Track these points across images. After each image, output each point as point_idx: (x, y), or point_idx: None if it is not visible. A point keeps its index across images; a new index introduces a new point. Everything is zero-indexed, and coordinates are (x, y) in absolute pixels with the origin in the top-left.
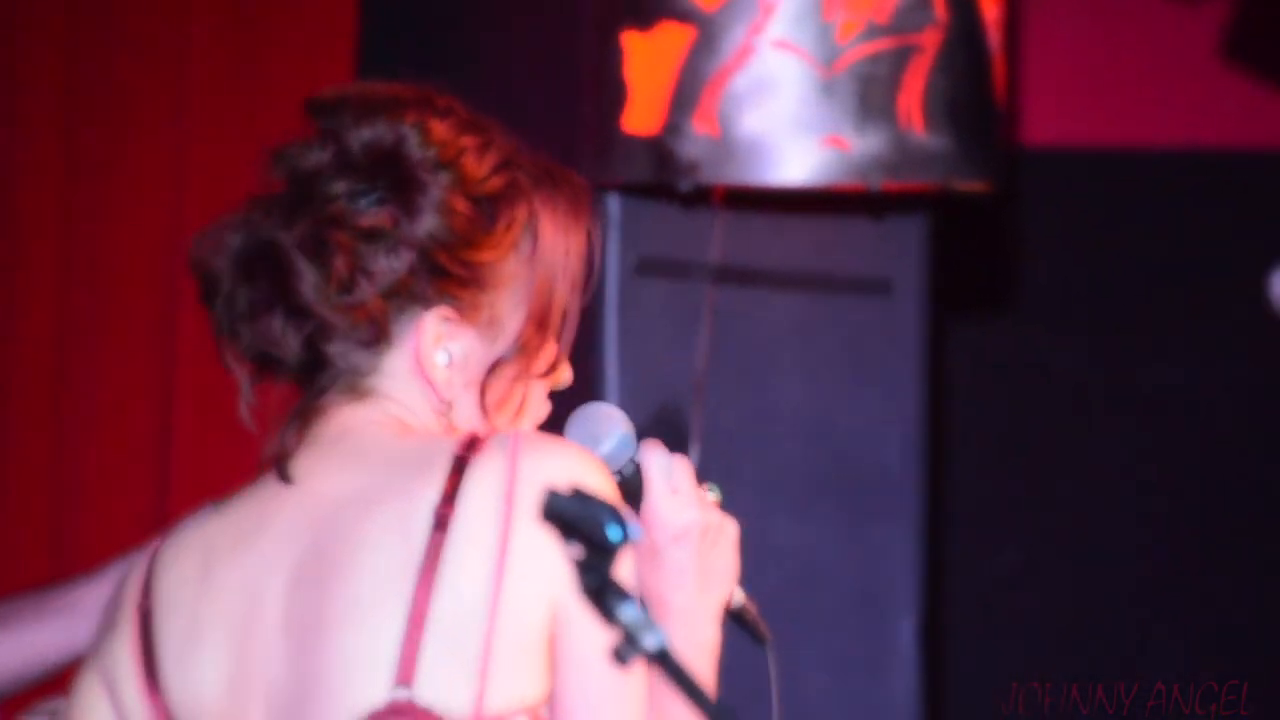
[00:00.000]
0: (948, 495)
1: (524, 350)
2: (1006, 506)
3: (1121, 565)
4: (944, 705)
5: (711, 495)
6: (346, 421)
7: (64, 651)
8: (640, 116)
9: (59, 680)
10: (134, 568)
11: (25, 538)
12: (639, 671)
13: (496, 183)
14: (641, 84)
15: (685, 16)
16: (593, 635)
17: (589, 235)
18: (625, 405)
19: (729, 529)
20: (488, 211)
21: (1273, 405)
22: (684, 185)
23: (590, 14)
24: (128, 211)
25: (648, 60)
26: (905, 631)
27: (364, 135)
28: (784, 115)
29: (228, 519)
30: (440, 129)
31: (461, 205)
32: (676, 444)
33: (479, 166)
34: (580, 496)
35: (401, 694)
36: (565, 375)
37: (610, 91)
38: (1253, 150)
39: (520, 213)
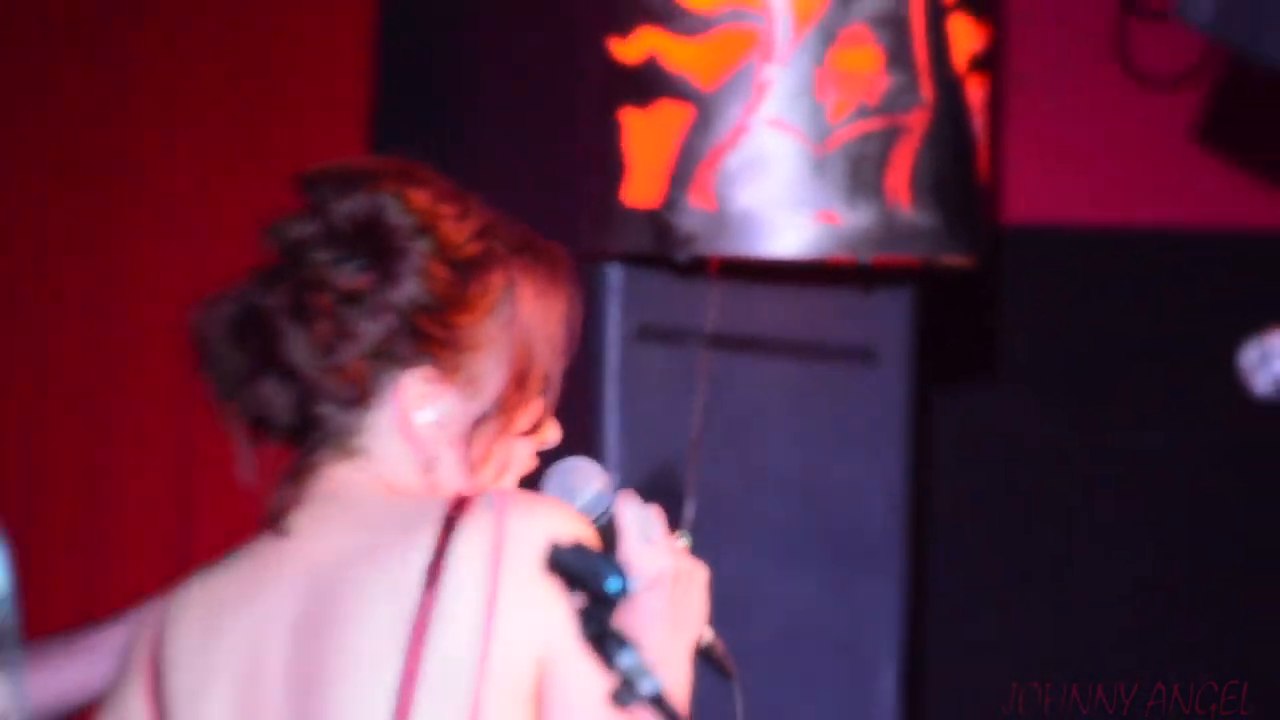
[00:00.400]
0: (931, 554)
1: (504, 409)
2: (989, 564)
3: (1103, 620)
4: None
5: (682, 542)
6: (338, 480)
7: (87, 690)
8: (639, 190)
9: (81, 716)
10: (146, 620)
11: (59, 577)
12: (634, 716)
13: (474, 249)
14: (641, 159)
15: (684, 95)
16: (584, 681)
17: (570, 302)
18: (625, 463)
19: (699, 574)
20: (465, 276)
21: (1243, 470)
22: (681, 256)
23: (593, 91)
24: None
25: (647, 137)
26: (886, 681)
27: (346, 206)
28: (777, 191)
29: (231, 575)
30: (419, 198)
31: (440, 271)
32: (672, 501)
33: (457, 233)
34: (581, 549)
35: None
36: (551, 434)
37: (611, 166)
38: (1226, 230)
39: (497, 278)
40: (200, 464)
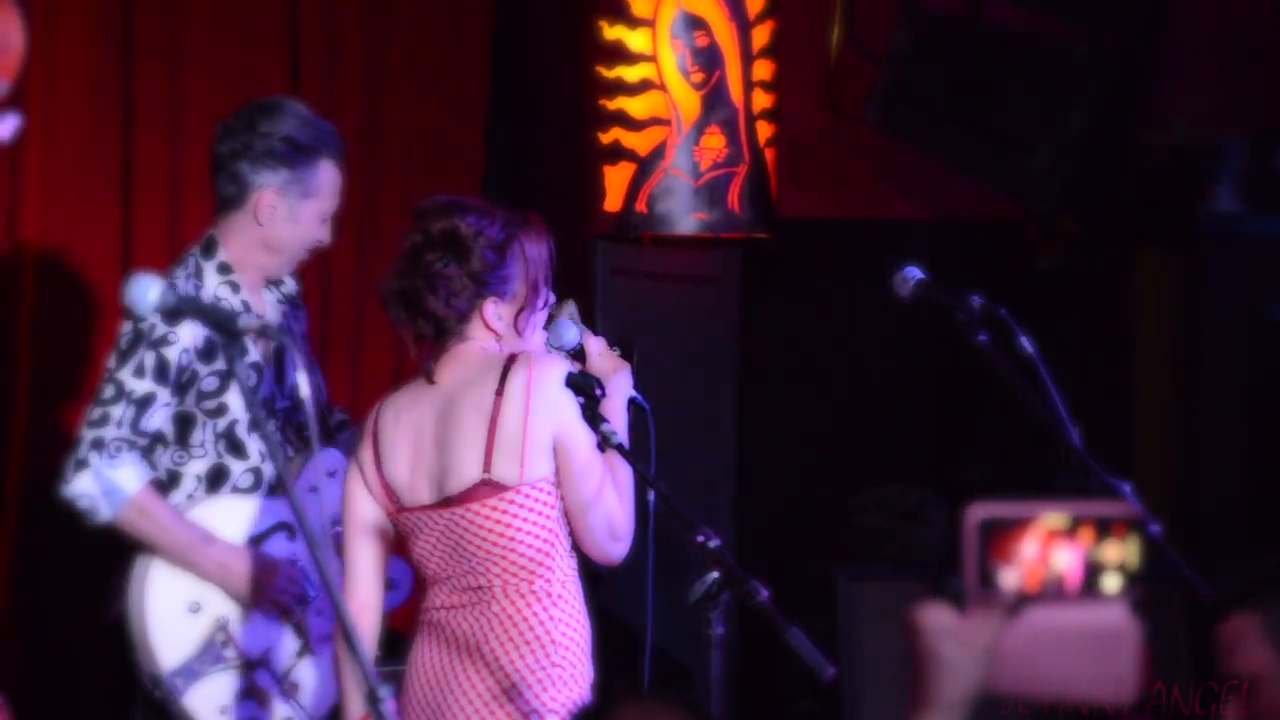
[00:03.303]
0: (752, 364)
1: (528, 306)
2: (791, 375)
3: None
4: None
5: (617, 352)
6: (456, 351)
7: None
8: (611, 203)
9: None
10: (370, 415)
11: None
12: (607, 455)
13: (501, 237)
14: (612, 188)
15: (632, 159)
16: (584, 438)
17: (548, 245)
18: (604, 332)
19: (626, 367)
20: (501, 251)
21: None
22: (631, 234)
23: (593, 156)
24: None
25: (615, 178)
26: (728, 405)
27: (437, 226)
28: (677, 204)
29: (409, 394)
30: (473, 218)
31: (489, 253)
32: (626, 348)
33: (494, 233)
34: (584, 374)
35: (485, 475)
36: (544, 316)
37: (598, 192)
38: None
39: (515, 246)
40: (404, 352)
